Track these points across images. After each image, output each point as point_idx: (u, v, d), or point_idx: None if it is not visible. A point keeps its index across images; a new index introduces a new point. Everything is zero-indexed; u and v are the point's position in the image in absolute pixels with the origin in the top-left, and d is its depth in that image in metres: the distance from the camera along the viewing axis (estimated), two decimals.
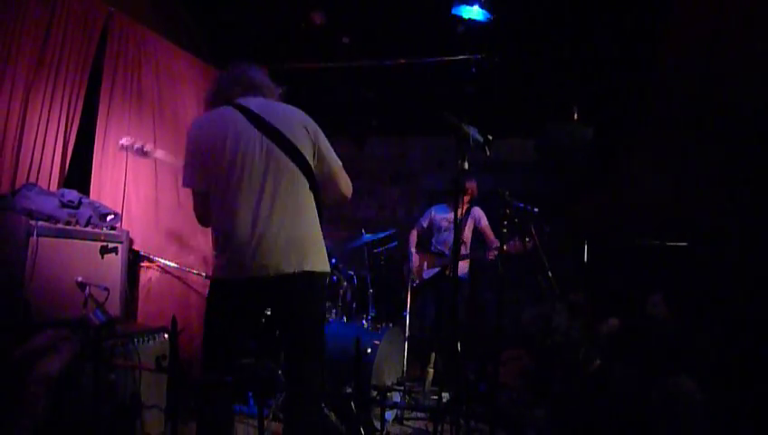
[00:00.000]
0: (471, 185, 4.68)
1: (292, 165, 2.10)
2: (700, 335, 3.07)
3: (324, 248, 2.20)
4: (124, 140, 2.89)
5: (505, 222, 3.04)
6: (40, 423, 2.25)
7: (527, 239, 4.01)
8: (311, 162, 2.17)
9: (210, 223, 2.17)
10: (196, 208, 2.19)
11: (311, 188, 2.17)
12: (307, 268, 2.06)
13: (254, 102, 2.18)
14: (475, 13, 4.30)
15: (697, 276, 3.47)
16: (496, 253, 4.44)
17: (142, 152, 2.87)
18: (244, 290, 2.06)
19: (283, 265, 2.02)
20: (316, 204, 2.20)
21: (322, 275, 2.16)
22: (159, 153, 2.97)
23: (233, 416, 2.17)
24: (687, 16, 4.03)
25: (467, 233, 4.76)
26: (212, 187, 2.10)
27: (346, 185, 2.33)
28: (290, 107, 2.27)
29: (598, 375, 3.10)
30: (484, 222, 4.75)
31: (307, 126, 2.20)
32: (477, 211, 4.78)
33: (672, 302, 3.25)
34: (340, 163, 2.30)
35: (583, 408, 3.07)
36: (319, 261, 2.14)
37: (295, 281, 2.04)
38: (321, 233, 2.20)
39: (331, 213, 2.60)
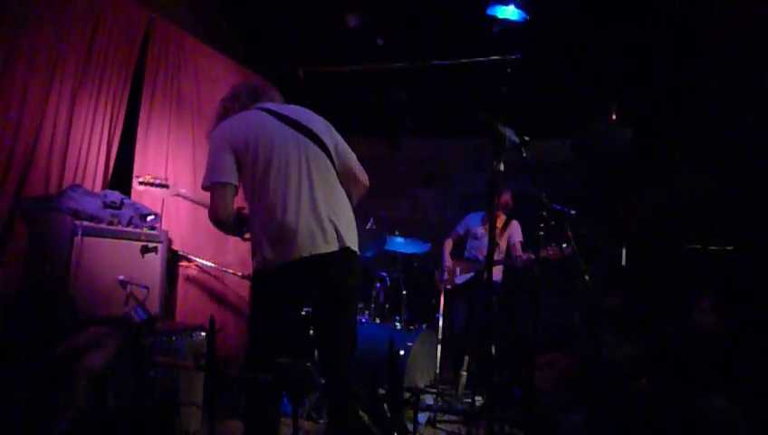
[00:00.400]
0: (505, 197, 4.60)
1: (323, 155, 2.28)
2: (746, 344, 2.95)
3: (356, 231, 2.35)
4: (141, 178, 2.94)
5: (542, 225, 2.99)
6: (82, 415, 2.32)
7: (564, 245, 3.95)
8: (334, 155, 2.33)
9: (230, 219, 2.23)
10: (221, 204, 2.17)
11: (338, 176, 2.34)
12: (348, 245, 2.22)
13: (272, 106, 2.34)
14: (510, 12, 4.26)
15: (744, 282, 3.34)
16: (530, 258, 4.41)
17: (162, 186, 2.93)
18: (295, 271, 2.15)
19: (329, 243, 2.17)
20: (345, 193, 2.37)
21: (356, 253, 2.30)
22: (182, 190, 3.06)
23: (279, 415, 2.21)
24: (734, 12, 3.90)
25: (503, 243, 4.70)
26: (252, 181, 2.19)
27: (363, 175, 2.47)
28: (303, 108, 2.41)
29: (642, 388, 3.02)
30: (518, 238, 4.69)
31: (324, 122, 2.39)
32: (516, 227, 4.73)
33: (720, 308, 3.14)
34: (355, 155, 2.45)
35: (623, 418, 2.99)
36: (355, 241, 2.30)
37: (341, 257, 2.20)
38: (353, 217, 2.35)
39: (364, 214, 2.63)
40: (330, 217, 2.19)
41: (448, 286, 4.67)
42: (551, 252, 4.03)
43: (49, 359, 2.43)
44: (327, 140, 2.32)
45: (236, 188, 2.20)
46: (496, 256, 4.59)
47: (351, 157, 2.42)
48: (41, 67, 3.04)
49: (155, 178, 2.95)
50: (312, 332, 3.78)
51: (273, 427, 2.17)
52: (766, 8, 3.50)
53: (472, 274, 4.67)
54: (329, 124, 2.41)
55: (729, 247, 3.62)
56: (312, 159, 2.24)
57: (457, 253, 4.89)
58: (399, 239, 4.37)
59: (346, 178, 2.39)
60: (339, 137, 2.41)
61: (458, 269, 4.76)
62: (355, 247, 2.28)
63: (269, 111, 2.29)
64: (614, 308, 4.14)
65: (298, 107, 2.41)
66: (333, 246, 2.18)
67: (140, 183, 2.94)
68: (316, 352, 3.50)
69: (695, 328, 3.16)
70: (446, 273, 4.71)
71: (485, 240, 4.58)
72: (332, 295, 2.25)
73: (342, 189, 2.34)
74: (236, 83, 2.53)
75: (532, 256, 4.42)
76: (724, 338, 3.01)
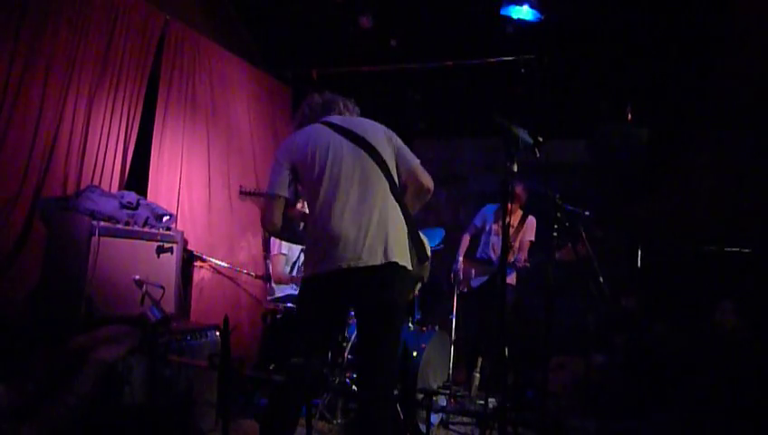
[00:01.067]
0: (519, 190, 4.54)
1: (377, 168, 2.29)
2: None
3: (407, 245, 2.31)
4: (244, 188, 3.02)
5: (556, 226, 2.97)
6: (85, 405, 2.34)
7: (578, 245, 3.91)
8: (391, 166, 2.34)
9: (278, 229, 2.34)
10: (266, 212, 2.32)
11: (392, 189, 2.32)
12: (392, 259, 2.19)
13: (336, 118, 2.41)
14: (524, 12, 4.24)
15: (762, 285, 3.29)
16: (526, 264, 4.37)
17: (261, 195, 2.96)
18: (338, 282, 2.18)
19: (372, 256, 2.17)
20: (400, 205, 2.33)
21: (405, 268, 2.27)
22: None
23: (298, 417, 2.22)
24: (751, 11, 3.84)
25: (517, 243, 4.63)
26: (309, 193, 2.29)
27: (427, 178, 2.44)
28: (366, 119, 2.48)
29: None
30: (529, 237, 4.64)
31: (384, 131, 2.41)
32: (531, 225, 4.67)
33: (743, 310, 3.10)
34: (418, 160, 2.43)
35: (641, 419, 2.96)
36: (403, 255, 2.26)
37: (384, 271, 2.18)
38: (405, 230, 2.32)
39: None
40: (376, 230, 2.20)
41: (464, 290, 4.64)
42: (564, 253, 3.98)
43: (64, 350, 2.47)
44: (385, 151, 2.34)
45: (287, 200, 2.29)
46: (509, 258, 4.54)
47: (414, 163, 2.42)
48: (59, 69, 3.08)
49: (256, 188, 3.03)
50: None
51: (290, 428, 2.18)
52: None
53: (487, 277, 4.62)
54: (390, 133, 2.42)
55: (746, 250, 3.56)
56: (365, 171, 2.26)
57: (470, 252, 4.83)
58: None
59: (409, 183, 2.40)
60: (400, 144, 2.42)
61: (473, 272, 4.72)
62: (402, 262, 2.24)
63: (329, 124, 2.35)
64: (630, 309, 4.11)
65: (362, 119, 2.47)
66: (377, 260, 2.17)
67: (242, 193, 3.02)
68: (329, 353, 3.51)
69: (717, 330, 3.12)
70: (459, 274, 4.68)
71: (500, 238, 4.55)
72: (373, 308, 2.24)
73: (395, 203, 2.32)
74: (305, 100, 2.56)
75: (528, 264, 4.40)
76: (746, 340, 2.97)
